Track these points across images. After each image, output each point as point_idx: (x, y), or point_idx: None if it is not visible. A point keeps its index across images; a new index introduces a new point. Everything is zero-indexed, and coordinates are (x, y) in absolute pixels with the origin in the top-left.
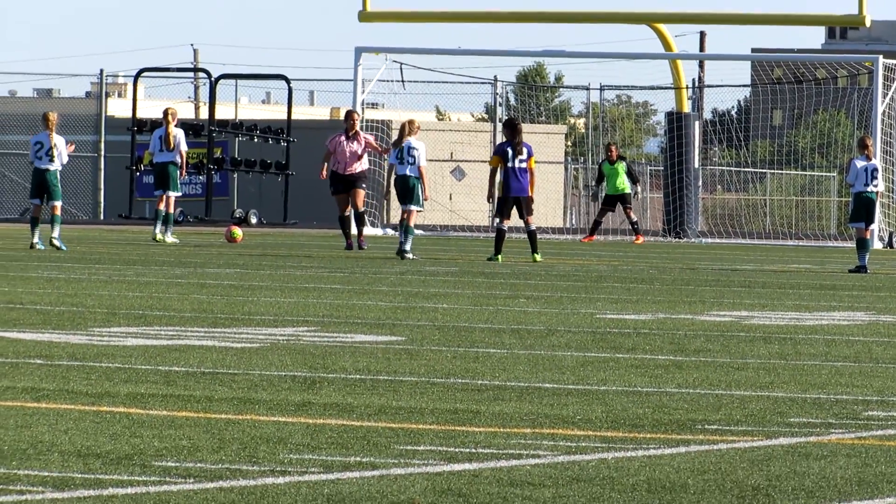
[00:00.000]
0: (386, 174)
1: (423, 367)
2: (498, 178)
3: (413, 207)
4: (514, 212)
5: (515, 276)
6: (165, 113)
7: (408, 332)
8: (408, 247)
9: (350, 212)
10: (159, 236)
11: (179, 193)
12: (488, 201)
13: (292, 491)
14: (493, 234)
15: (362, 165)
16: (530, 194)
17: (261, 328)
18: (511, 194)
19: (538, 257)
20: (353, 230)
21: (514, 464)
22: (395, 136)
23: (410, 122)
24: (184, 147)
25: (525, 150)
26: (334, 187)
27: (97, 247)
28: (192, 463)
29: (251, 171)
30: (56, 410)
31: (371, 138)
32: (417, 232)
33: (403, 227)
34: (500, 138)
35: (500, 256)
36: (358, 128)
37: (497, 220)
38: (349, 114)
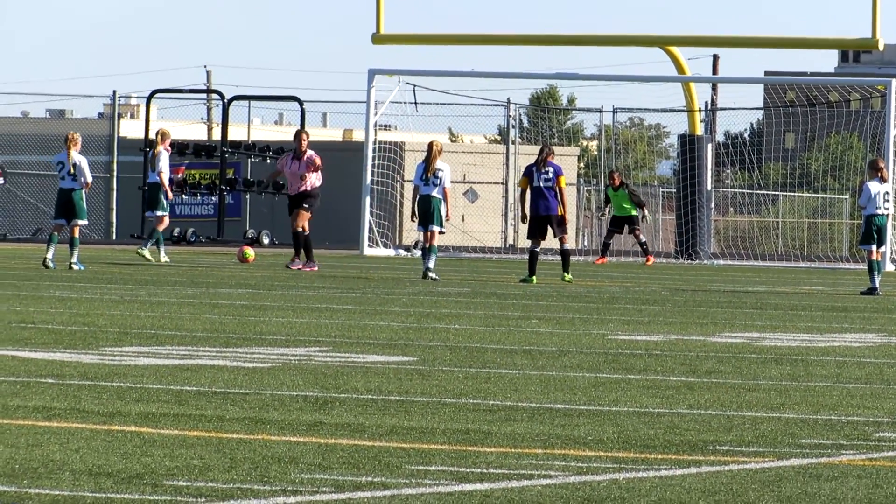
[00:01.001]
0: (411, 195)
1: (434, 387)
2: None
3: (435, 228)
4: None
5: (527, 298)
6: (157, 133)
7: (420, 352)
8: (431, 265)
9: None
10: (146, 253)
11: (165, 213)
12: (523, 222)
13: None
14: (503, 255)
15: (307, 185)
16: (560, 213)
17: (273, 348)
18: (539, 213)
19: (568, 277)
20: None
21: (525, 484)
22: (408, 157)
23: (435, 143)
24: (88, 177)
25: (551, 170)
26: (288, 207)
27: (109, 266)
28: (204, 482)
29: (263, 191)
30: (67, 429)
31: (317, 159)
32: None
33: (427, 249)
34: (512, 161)
35: (534, 278)
36: (305, 147)
37: (530, 241)
38: (297, 134)
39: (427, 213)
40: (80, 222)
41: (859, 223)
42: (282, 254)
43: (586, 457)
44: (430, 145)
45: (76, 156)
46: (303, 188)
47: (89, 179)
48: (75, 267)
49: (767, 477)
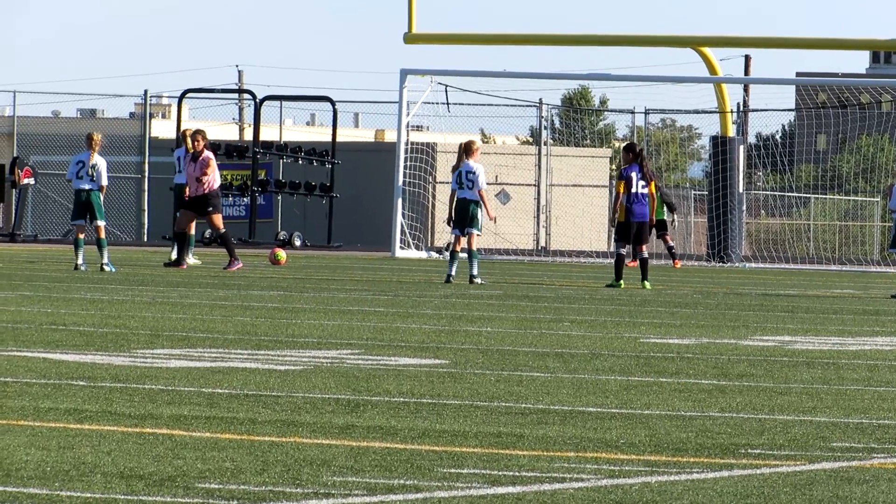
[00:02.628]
0: (448, 198)
1: (466, 390)
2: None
3: (474, 231)
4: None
5: (560, 300)
6: (184, 134)
7: (452, 355)
8: (475, 271)
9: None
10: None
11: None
12: (611, 225)
13: None
14: (535, 258)
15: (205, 188)
16: (651, 220)
17: (305, 350)
18: (634, 219)
19: (648, 285)
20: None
21: (557, 487)
22: (440, 158)
23: (469, 144)
24: (105, 181)
25: (648, 175)
26: (183, 207)
27: (141, 268)
28: (236, 485)
29: (295, 193)
30: (99, 432)
31: (212, 160)
32: (462, 255)
33: (469, 253)
34: (544, 161)
35: (621, 282)
36: (201, 148)
37: (617, 245)
38: (193, 134)
39: (464, 217)
40: (100, 223)
41: (890, 226)
42: (314, 255)
43: (618, 460)
44: (461, 147)
45: (97, 157)
46: (202, 191)
47: (105, 183)
48: (107, 268)
49: (799, 480)
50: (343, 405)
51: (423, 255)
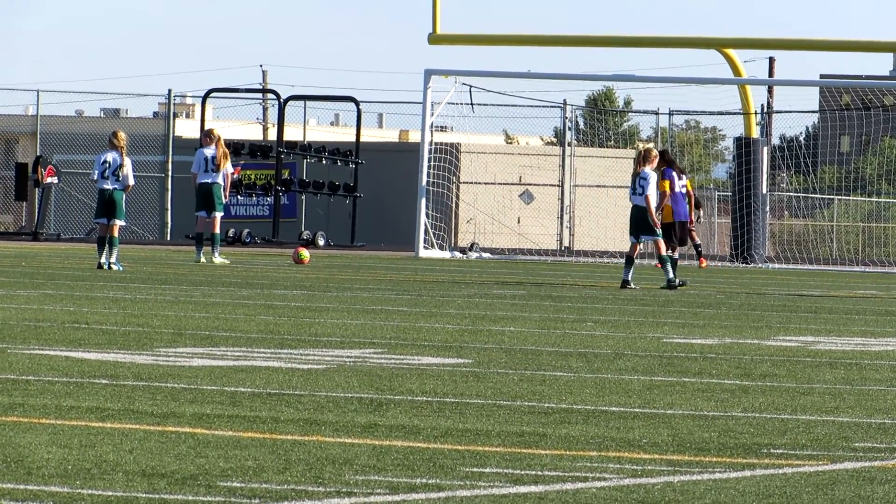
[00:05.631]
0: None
1: (489, 389)
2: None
3: (656, 238)
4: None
5: (583, 300)
6: (210, 133)
7: (475, 354)
8: (672, 274)
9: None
10: (202, 259)
11: (222, 214)
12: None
13: None
14: (559, 258)
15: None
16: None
17: (327, 350)
18: (677, 219)
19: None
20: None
21: (580, 486)
22: (464, 158)
23: (647, 152)
24: (131, 181)
25: (685, 176)
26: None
27: (164, 267)
28: (258, 483)
29: (319, 192)
30: (121, 430)
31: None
32: (485, 255)
33: (663, 258)
34: (568, 162)
35: (669, 283)
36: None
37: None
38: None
39: (638, 225)
40: (119, 222)
41: None
42: (337, 255)
43: (641, 459)
44: (638, 154)
45: (124, 158)
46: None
47: (132, 182)
48: (115, 267)
49: (821, 480)
50: (366, 404)
51: (446, 254)
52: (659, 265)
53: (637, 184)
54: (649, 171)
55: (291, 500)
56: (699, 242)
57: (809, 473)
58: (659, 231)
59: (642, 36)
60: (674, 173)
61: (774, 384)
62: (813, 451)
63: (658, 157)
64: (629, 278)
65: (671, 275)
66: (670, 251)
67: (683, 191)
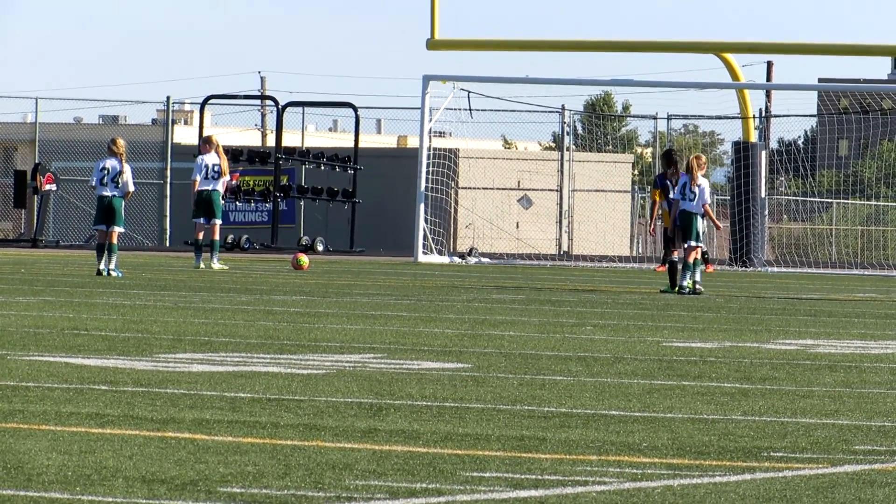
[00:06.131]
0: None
1: (489, 394)
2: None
3: (693, 243)
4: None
5: (582, 304)
6: (208, 140)
7: (474, 359)
8: (698, 277)
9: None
10: (201, 265)
11: (221, 221)
12: (651, 233)
13: None
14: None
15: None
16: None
17: (327, 355)
18: (677, 224)
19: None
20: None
21: (580, 490)
22: (462, 164)
23: (698, 158)
24: (131, 187)
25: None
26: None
27: (163, 273)
28: (258, 489)
29: (318, 198)
30: (121, 436)
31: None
32: (484, 260)
33: (692, 264)
34: (567, 167)
35: (677, 288)
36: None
37: (667, 252)
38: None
39: (687, 229)
40: (118, 229)
41: None
42: (336, 260)
43: (641, 463)
44: (690, 161)
45: (124, 165)
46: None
47: (132, 189)
48: (113, 273)
49: (821, 483)
50: (365, 409)
51: (445, 260)
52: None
53: (689, 189)
54: (702, 178)
55: None
56: (705, 249)
57: (809, 476)
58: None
59: (640, 41)
60: (668, 182)
61: (774, 387)
62: (813, 455)
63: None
64: (684, 283)
65: (685, 281)
66: (674, 257)
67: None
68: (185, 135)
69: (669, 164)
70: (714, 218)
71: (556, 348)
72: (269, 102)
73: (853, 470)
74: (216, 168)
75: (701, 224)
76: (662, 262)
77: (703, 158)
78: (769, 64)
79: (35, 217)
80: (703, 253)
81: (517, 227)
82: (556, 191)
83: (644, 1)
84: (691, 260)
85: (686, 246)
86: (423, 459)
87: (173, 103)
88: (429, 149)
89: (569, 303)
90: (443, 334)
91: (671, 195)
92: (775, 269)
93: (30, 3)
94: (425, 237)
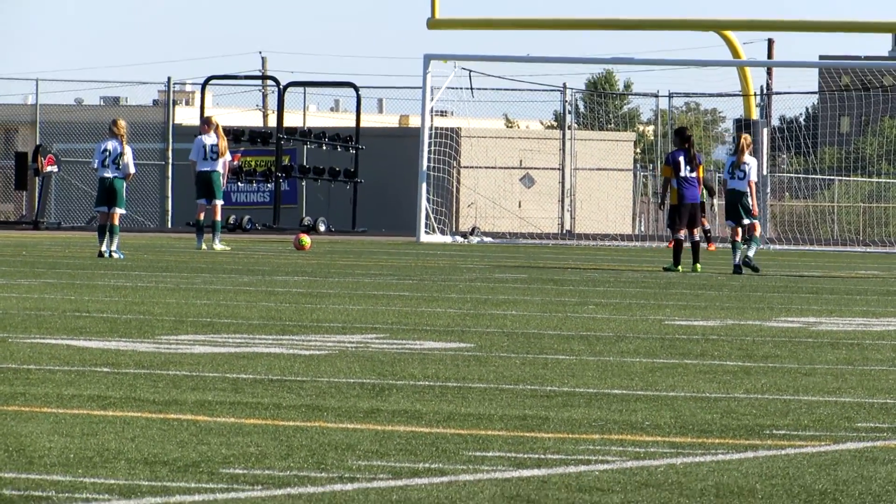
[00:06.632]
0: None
1: (491, 373)
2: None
3: (746, 222)
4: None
5: (584, 283)
6: (208, 120)
7: (477, 338)
8: (751, 253)
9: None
10: (203, 246)
11: (222, 201)
12: (660, 209)
13: (360, 497)
14: (560, 241)
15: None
16: (702, 202)
17: (329, 335)
18: (686, 202)
19: (699, 268)
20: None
21: (582, 469)
22: (464, 143)
23: (746, 138)
24: (132, 168)
25: (696, 161)
26: None
27: (164, 255)
28: (260, 470)
29: (320, 178)
30: (123, 418)
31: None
32: (486, 240)
33: (749, 239)
34: (569, 145)
35: (680, 267)
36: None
37: (673, 230)
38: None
39: (735, 207)
40: (120, 210)
41: None
42: (338, 241)
43: (644, 442)
44: (738, 139)
45: (125, 146)
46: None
47: (133, 171)
48: (115, 255)
49: (824, 461)
50: (368, 389)
51: (447, 239)
52: (734, 245)
53: (738, 169)
54: (750, 157)
55: (294, 486)
56: (708, 227)
57: (812, 454)
58: (756, 214)
59: (641, 19)
60: (680, 158)
61: (776, 365)
62: (815, 432)
63: (678, 137)
64: (739, 262)
65: (751, 253)
66: (679, 235)
67: (693, 175)
68: (186, 115)
69: (683, 141)
70: (755, 198)
71: (559, 327)
72: (270, 83)
73: (856, 447)
74: (214, 148)
75: (750, 201)
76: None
77: (749, 139)
78: (770, 41)
79: (36, 199)
80: (706, 230)
81: (519, 206)
82: (559, 169)
83: None
84: (757, 233)
85: (741, 225)
86: (426, 439)
87: (174, 84)
88: (430, 128)
89: (571, 282)
90: (445, 314)
91: (682, 173)
92: (777, 247)
93: None
94: (427, 217)
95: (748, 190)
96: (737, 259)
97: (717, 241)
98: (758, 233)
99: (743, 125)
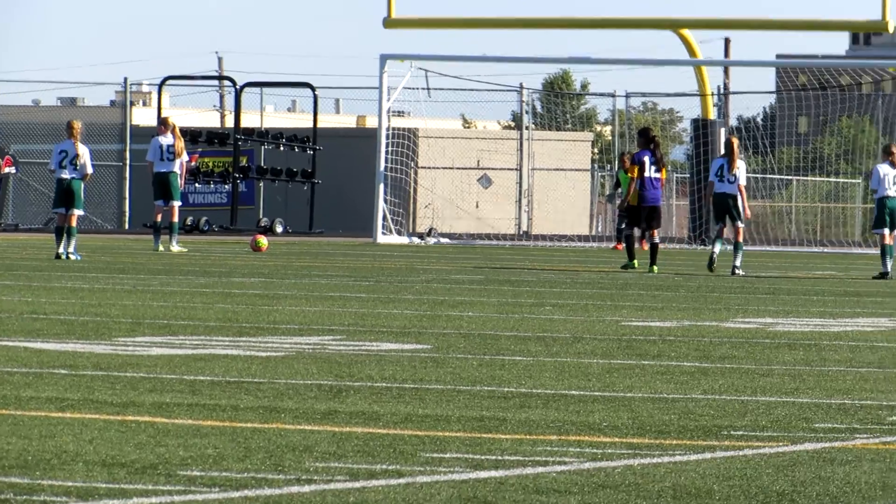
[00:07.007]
0: (706, 191)
1: (448, 374)
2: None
3: (740, 225)
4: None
5: (541, 285)
6: (164, 121)
7: (433, 340)
8: (738, 262)
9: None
10: (160, 248)
11: (180, 203)
12: (620, 209)
13: (318, 499)
14: (517, 242)
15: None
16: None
17: (286, 337)
18: (646, 203)
19: (656, 269)
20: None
21: (540, 471)
22: (422, 144)
23: (735, 142)
24: (90, 169)
25: (662, 163)
26: None
27: (121, 256)
28: (218, 472)
29: (277, 179)
30: (81, 420)
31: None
32: (443, 240)
33: (734, 245)
34: (526, 146)
35: (635, 262)
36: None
37: (627, 228)
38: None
39: (723, 210)
40: (78, 212)
41: (872, 207)
42: (295, 242)
43: (601, 443)
44: (730, 143)
45: (81, 146)
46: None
47: (90, 171)
48: (73, 256)
49: (782, 461)
50: (325, 391)
51: (404, 240)
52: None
53: (727, 172)
54: (740, 161)
55: (251, 488)
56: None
57: (770, 455)
58: (749, 217)
59: (598, 18)
60: (645, 158)
61: (734, 366)
62: (773, 433)
63: (642, 138)
64: (738, 263)
65: (737, 262)
66: (631, 231)
67: (657, 176)
68: (143, 116)
69: (648, 142)
70: (745, 201)
71: (516, 328)
72: (227, 83)
73: (813, 448)
74: (171, 149)
75: (740, 204)
76: (618, 239)
77: (737, 141)
78: (727, 40)
79: None
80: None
81: (477, 206)
82: (516, 170)
83: None
84: (741, 239)
85: (733, 227)
86: (384, 441)
87: (131, 85)
88: (388, 129)
89: (528, 283)
90: (402, 315)
91: (646, 173)
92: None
93: None
94: (385, 218)
95: (737, 193)
96: (738, 261)
97: (675, 242)
98: (741, 238)
99: (700, 125)
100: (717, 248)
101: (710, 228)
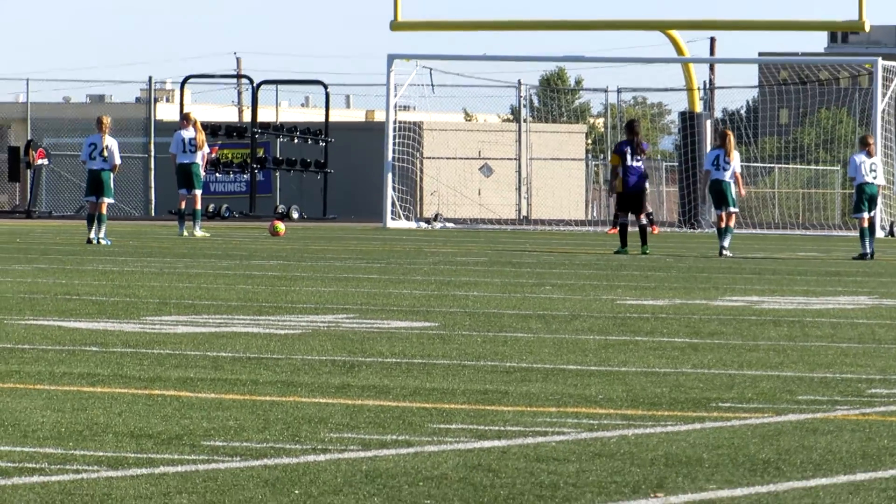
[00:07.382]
0: (702, 179)
1: (454, 350)
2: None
3: (732, 210)
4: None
5: (541, 266)
6: (187, 116)
7: (441, 318)
8: (726, 243)
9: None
10: (185, 233)
11: (202, 191)
12: (610, 195)
13: (332, 468)
14: (518, 227)
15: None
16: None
17: (303, 316)
18: (629, 190)
19: (647, 249)
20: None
21: (540, 440)
22: (426, 136)
23: (730, 133)
24: (118, 160)
25: (641, 148)
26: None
27: (149, 241)
28: (239, 442)
29: (292, 169)
30: (110, 394)
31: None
32: (449, 225)
33: (723, 229)
34: (524, 137)
35: (627, 248)
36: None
37: (619, 214)
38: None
39: (721, 196)
40: (108, 200)
41: (850, 192)
42: (310, 227)
43: (597, 414)
44: (725, 135)
45: (109, 139)
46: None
47: (118, 162)
48: (103, 242)
49: (767, 431)
50: (339, 366)
51: (412, 225)
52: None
53: (723, 160)
54: (735, 151)
55: (270, 457)
56: (650, 211)
57: (756, 425)
58: (736, 205)
59: (591, 20)
60: (626, 148)
61: (722, 342)
62: (759, 405)
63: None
64: (726, 245)
65: (725, 243)
66: (625, 219)
67: (637, 164)
68: (166, 112)
69: (632, 133)
70: (742, 186)
71: (517, 307)
72: (244, 81)
73: (797, 419)
74: (193, 142)
75: (734, 190)
76: (614, 224)
77: (732, 134)
78: (712, 39)
79: (29, 190)
80: (648, 214)
81: (479, 193)
82: (515, 160)
83: None
84: (732, 224)
85: (726, 211)
86: (394, 413)
87: (155, 83)
88: (395, 122)
89: (528, 264)
90: (411, 295)
91: (627, 161)
92: None
93: None
94: (393, 204)
95: (734, 180)
96: (725, 242)
97: (665, 226)
98: (732, 223)
99: (688, 118)
100: (726, 241)
101: (707, 212)
